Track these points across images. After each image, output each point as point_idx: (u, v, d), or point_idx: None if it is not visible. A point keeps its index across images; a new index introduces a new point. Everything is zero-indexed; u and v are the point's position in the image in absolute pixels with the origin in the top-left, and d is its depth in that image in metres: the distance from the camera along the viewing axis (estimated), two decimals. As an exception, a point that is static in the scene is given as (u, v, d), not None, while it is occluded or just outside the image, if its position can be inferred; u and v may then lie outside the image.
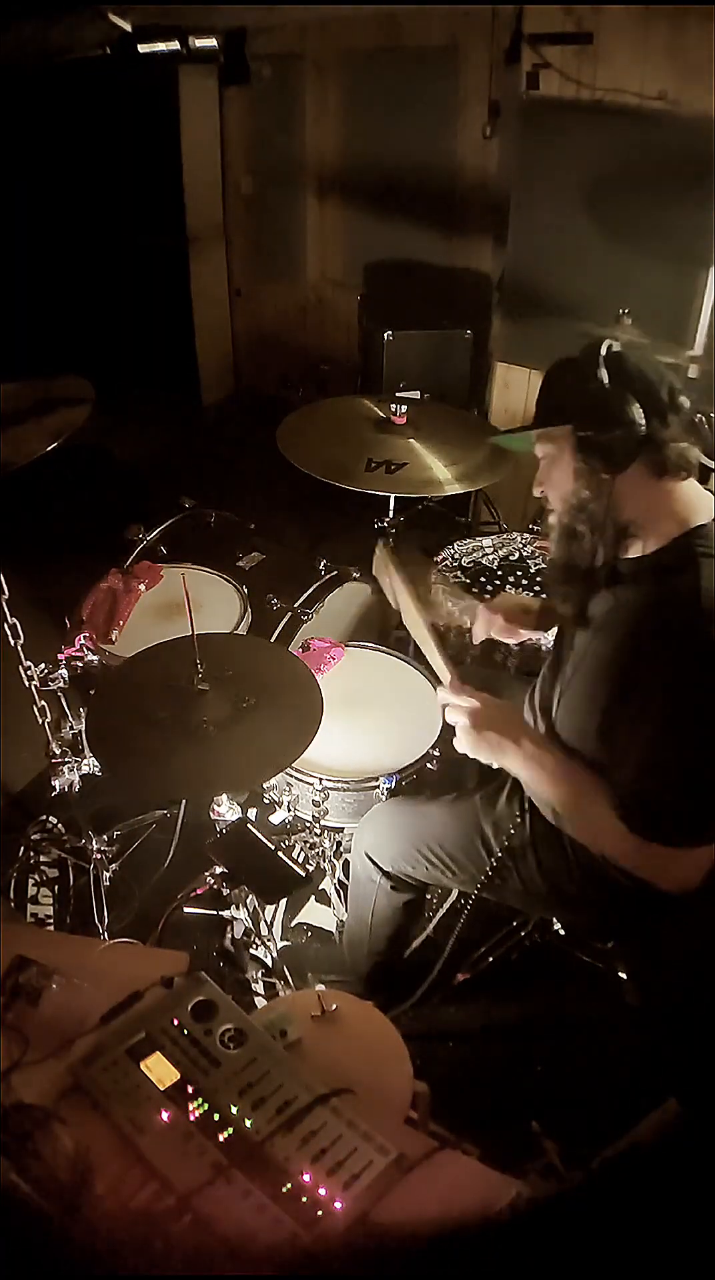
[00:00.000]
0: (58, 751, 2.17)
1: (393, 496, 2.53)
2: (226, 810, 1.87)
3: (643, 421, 1.32)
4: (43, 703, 2.14)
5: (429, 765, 2.00)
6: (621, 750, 1.40)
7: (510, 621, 1.88)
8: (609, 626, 1.44)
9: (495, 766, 1.56)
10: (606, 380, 1.33)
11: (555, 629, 1.85)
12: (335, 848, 2.15)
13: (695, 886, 1.37)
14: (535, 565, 2.59)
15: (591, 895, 1.59)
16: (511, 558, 2.64)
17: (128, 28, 3.69)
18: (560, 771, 1.49)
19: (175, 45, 3.95)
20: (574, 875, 1.59)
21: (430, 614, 2.52)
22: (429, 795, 1.87)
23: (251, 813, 2.05)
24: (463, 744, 1.57)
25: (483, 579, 2.54)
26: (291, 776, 1.96)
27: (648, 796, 1.35)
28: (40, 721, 2.16)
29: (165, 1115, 1.04)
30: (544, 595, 2.41)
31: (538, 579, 2.52)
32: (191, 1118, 1.04)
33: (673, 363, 2.51)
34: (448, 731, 1.99)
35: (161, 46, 3.94)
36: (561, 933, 2.04)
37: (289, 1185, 0.97)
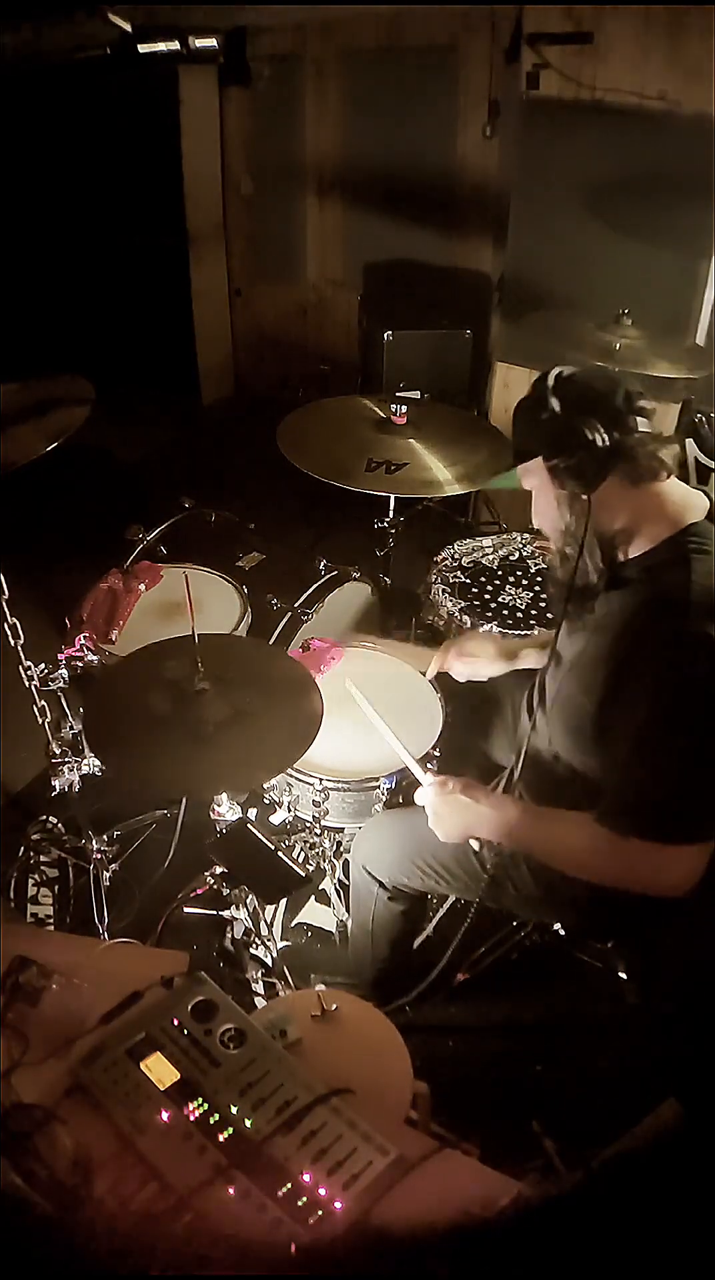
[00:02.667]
0: (58, 751, 2.17)
1: (393, 496, 2.53)
2: (226, 810, 1.87)
3: (604, 438, 1.34)
4: (43, 703, 2.14)
5: (429, 765, 2.00)
6: (614, 747, 1.41)
7: (469, 663, 1.97)
8: (603, 627, 1.46)
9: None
10: (558, 408, 1.37)
11: (522, 663, 1.92)
12: (335, 848, 2.15)
13: (687, 889, 1.38)
14: (535, 565, 2.59)
15: (587, 898, 1.59)
16: (511, 558, 2.64)
17: (128, 28, 3.69)
18: (528, 824, 1.53)
19: (175, 45, 3.96)
20: (568, 878, 1.59)
21: (428, 613, 2.53)
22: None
23: (251, 813, 2.05)
24: (436, 832, 1.62)
25: (483, 579, 2.54)
26: (291, 776, 1.96)
27: (638, 792, 1.36)
28: (40, 721, 2.16)
29: (165, 1115, 1.04)
30: (544, 598, 2.42)
31: (538, 579, 2.52)
32: (191, 1118, 1.04)
33: (669, 372, 2.51)
34: (448, 732, 2.00)
35: (161, 46, 3.95)
36: (561, 933, 2.04)
37: (289, 1185, 0.97)
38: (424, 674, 2.07)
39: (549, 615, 2.34)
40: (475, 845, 1.64)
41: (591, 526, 1.41)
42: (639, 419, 1.37)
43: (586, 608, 1.48)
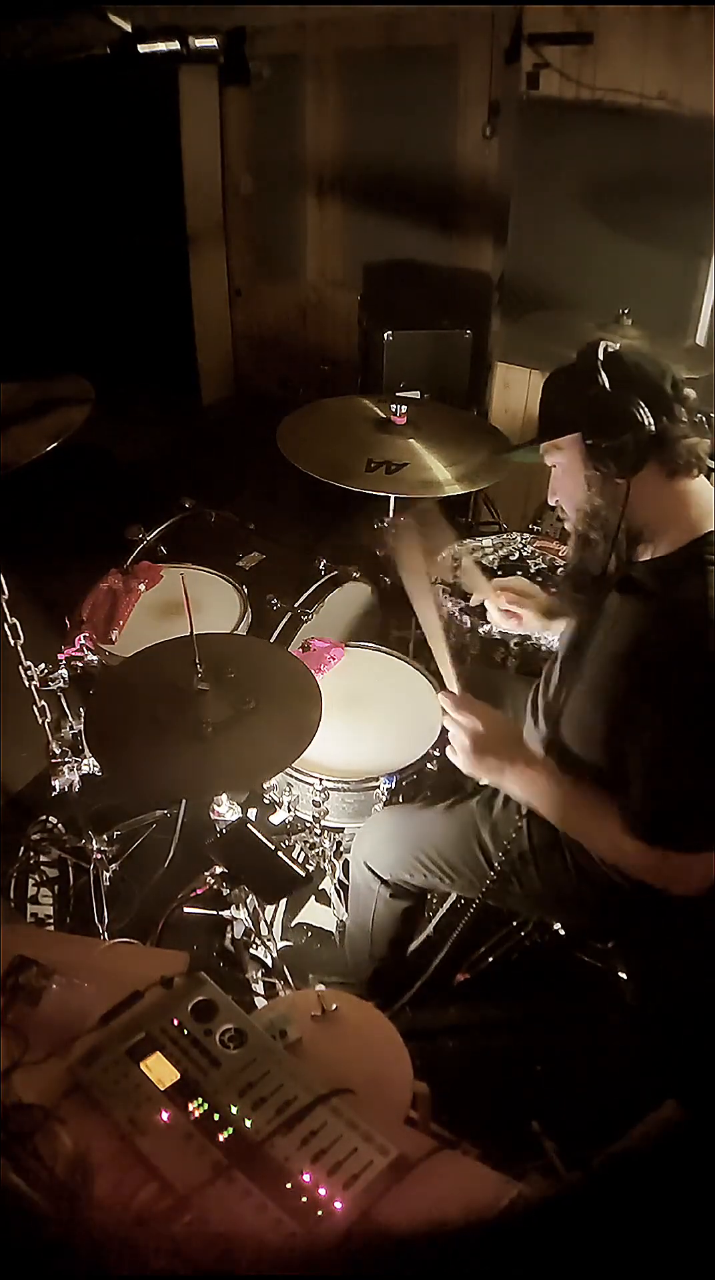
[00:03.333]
0: (58, 751, 2.17)
1: (393, 496, 2.53)
2: (226, 810, 1.87)
3: (651, 421, 1.29)
4: (43, 703, 2.14)
5: (429, 765, 2.00)
6: (629, 757, 1.39)
7: (515, 602, 1.88)
8: (616, 631, 1.43)
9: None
10: (607, 384, 1.31)
11: (554, 629, 1.86)
12: (335, 848, 2.15)
13: (707, 889, 1.37)
14: (535, 565, 2.59)
15: (591, 898, 1.59)
16: (511, 558, 2.64)
17: (128, 28, 3.69)
18: (559, 792, 1.48)
19: (175, 45, 3.95)
20: (573, 878, 1.59)
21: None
22: (427, 799, 1.87)
23: (251, 813, 2.05)
24: (460, 763, 1.56)
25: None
26: (291, 776, 1.96)
27: (657, 803, 1.34)
28: (40, 721, 2.16)
29: (165, 1115, 1.04)
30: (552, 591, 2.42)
31: (538, 579, 2.52)
32: (191, 1118, 1.04)
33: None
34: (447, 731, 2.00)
35: (161, 46, 3.94)
36: (561, 933, 2.04)
37: (289, 1185, 0.97)
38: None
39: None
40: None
41: (624, 513, 1.35)
42: (682, 408, 1.32)
43: (595, 600, 1.45)
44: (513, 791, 1.54)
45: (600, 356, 1.33)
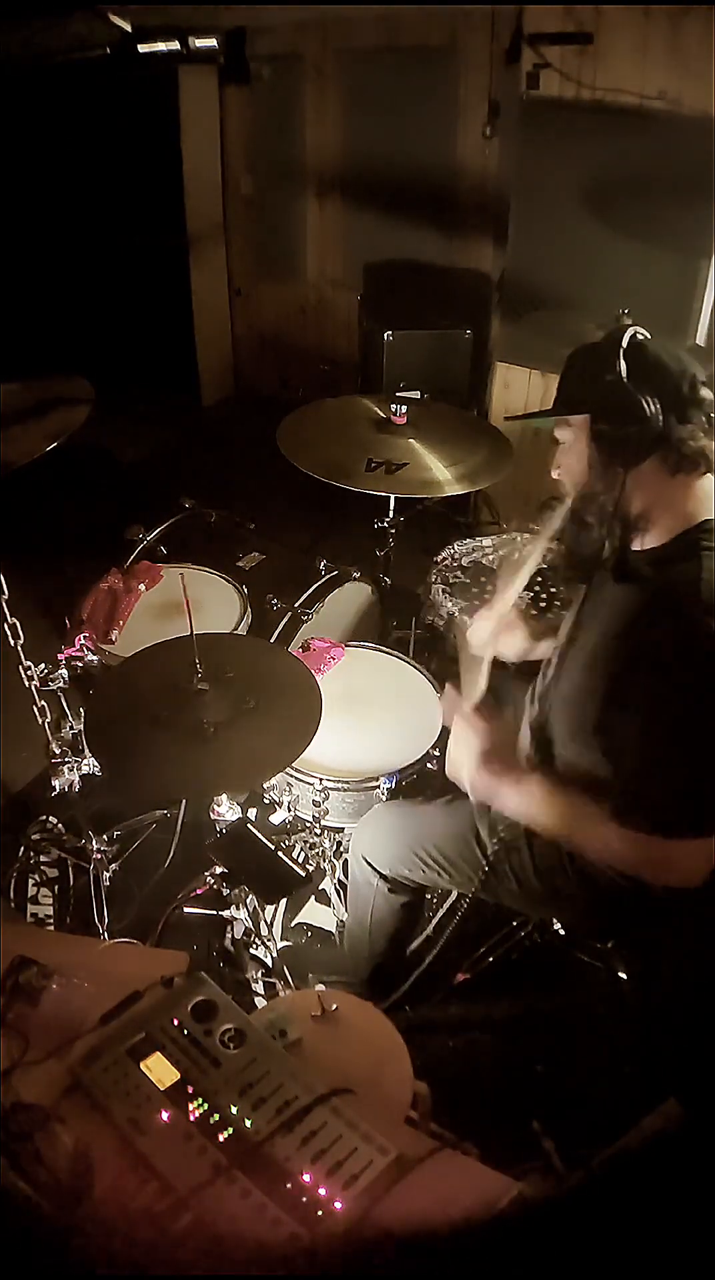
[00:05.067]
0: (58, 751, 2.17)
1: (393, 496, 2.53)
2: (226, 810, 1.87)
3: (659, 417, 1.30)
4: (43, 703, 2.14)
5: (429, 765, 2.00)
6: (620, 741, 1.40)
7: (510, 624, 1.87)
8: (609, 618, 1.44)
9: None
10: (625, 373, 1.31)
11: (543, 649, 1.87)
12: (335, 848, 2.15)
13: (702, 880, 1.37)
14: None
15: (588, 895, 1.59)
16: (511, 558, 2.64)
17: (128, 28, 3.69)
18: (551, 802, 1.49)
19: (175, 45, 3.95)
20: (570, 874, 1.59)
21: (428, 613, 2.53)
22: (426, 796, 1.87)
23: (251, 813, 2.05)
24: (458, 779, 1.58)
25: (483, 579, 2.54)
26: (291, 776, 1.96)
27: (649, 786, 1.35)
28: (40, 721, 2.16)
29: (165, 1115, 1.04)
30: (545, 595, 2.42)
31: (538, 579, 2.52)
32: (191, 1118, 1.04)
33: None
34: (448, 732, 2.00)
35: (161, 46, 3.94)
36: (561, 933, 2.04)
37: (289, 1185, 0.97)
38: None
39: (553, 596, 2.31)
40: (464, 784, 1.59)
41: (619, 501, 1.36)
42: (696, 410, 1.32)
43: (591, 588, 1.45)
44: (506, 806, 1.55)
45: (624, 344, 1.33)
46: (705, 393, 1.33)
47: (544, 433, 1.54)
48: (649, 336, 1.35)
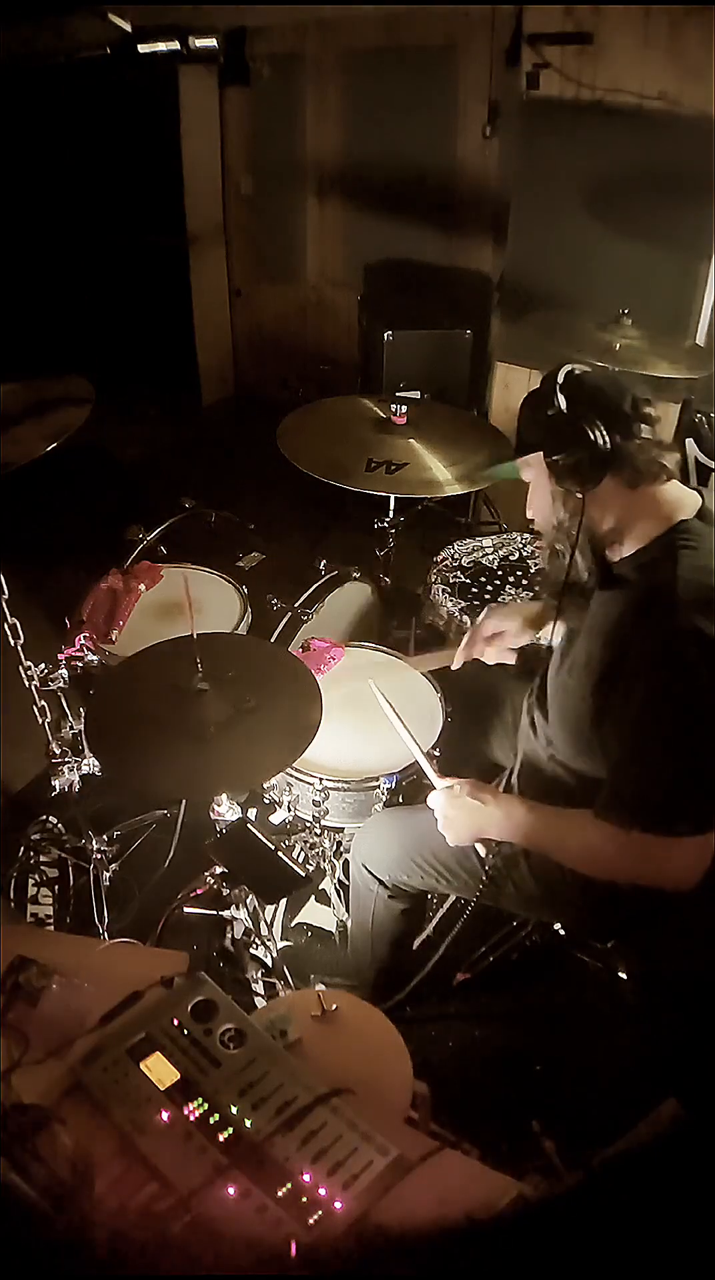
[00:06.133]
0: (58, 751, 2.17)
1: (393, 496, 2.53)
2: (226, 810, 1.86)
3: (606, 439, 1.35)
4: (43, 703, 2.14)
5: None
6: (609, 742, 1.43)
7: (504, 638, 1.93)
8: (597, 628, 1.47)
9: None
10: (564, 405, 1.38)
11: (546, 634, 1.89)
12: (335, 848, 2.15)
13: (695, 882, 1.38)
14: (535, 565, 2.59)
15: (587, 897, 1.59)
16: (511, 558, 2.64)
17: (128, 28, 3.69)
18: (532, 817, 1.53)
19: (175, 45, 3.95)
20: (567, 878, 1.59)
21: (428, 613, 2.53)
22: (425, 801, 1.87)
23: (251, 813, 2.05)
24: (446, 836, 1.62)
25: (483, 579, 2.54)
26: (291, 776, 1.96)
27: (637, 785, 1.37)
28: (40, 721, 2.16)
29: (165, 1115, 1.04)
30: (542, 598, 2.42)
31: (538, 579, 2.52)
32: (191, 1118, 1.04)
33: (669, 372, 2.52)
34: (448, 731, 2.00)
35: (161, 46, 3.95)
36: (561, 933, 2.04)
37: (289, 1185, 0.97)
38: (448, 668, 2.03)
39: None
40: (481, 850, 1.64)
41: (585, 525, 1.42)
42: (642, 425, 1.38)
43: (580, 606, 1.50)
44: (496, 836, 1.58)
45: (560, 379, 1.40)
46: (650, 410, 1.39)
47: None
48: (587, 370, 1.43)
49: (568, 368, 1.41)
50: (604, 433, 1.35)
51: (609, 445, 1.36)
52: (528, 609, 1.95)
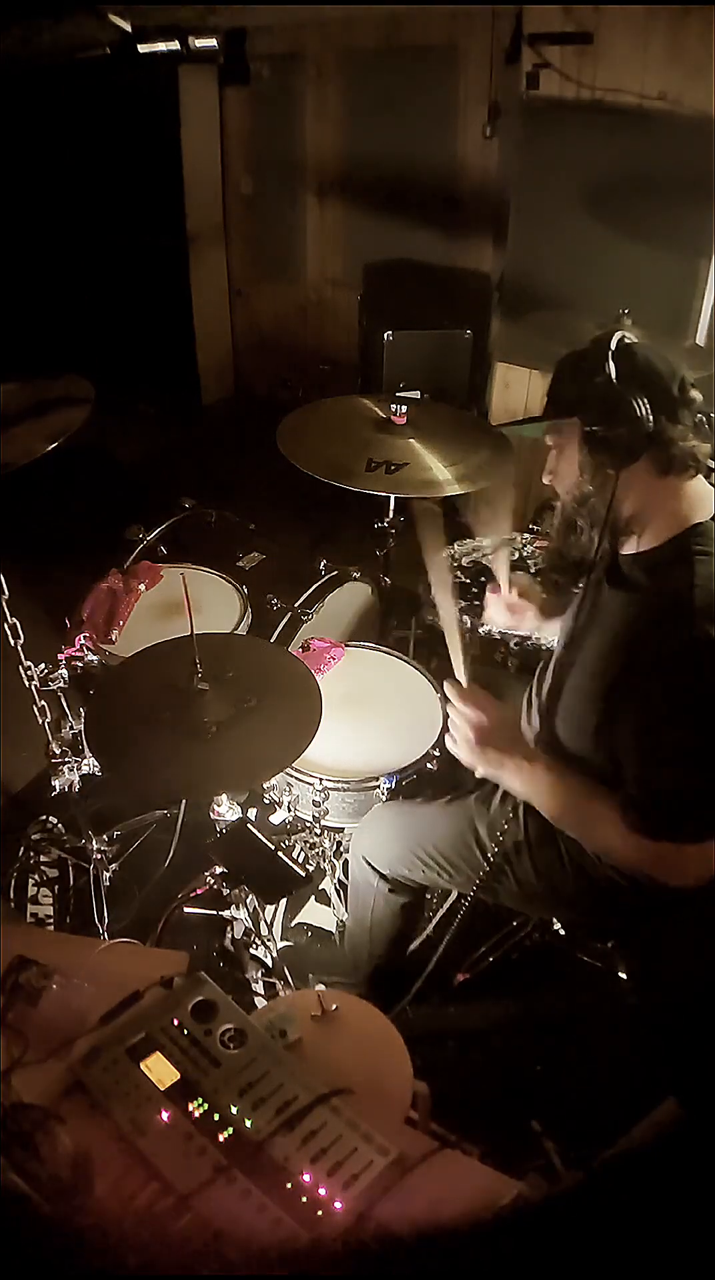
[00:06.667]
0: (58, 751, 2.17)
1: (393, 496, 2.53)
2: (226, 810, 1.87)
3: (650, 418, 1.30)
4: (43, 703, 2.14)
5: (429, 765, 2.00)
6: (621, 748, 1.40)
7: (523, 595, 1.89)
8: (605, 623, 1.45)
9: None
10: (614, 375, 1.32)
11: (549, 630, 1.87)
12: (335, 848, 2.15)
13: (708, 881, 1.38)
14: (535, 565, 2.59)
15: (588, 895, 1.59)
16: (511, 557, 2.64)
17: (128, 28, 3.69)
18: (557, 786, 1.49)
19: (175, 45, 3.95)
20: (569, 874, 1.59)
21: (428, 613, 2.52)
22: (427, 796, 1.87)
23: (251, 813, 2.05)
24: (460, 754, 1.56)
25: (483, 579, 2.54)
26: (291, 776, 1.96)
27: (652, 795, 1.35)
28: (40, 721, 2.16)
29: (165, 1115, 1.04)
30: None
31: (539, 579, 2.52)
32: (191, 1118, 1.04)
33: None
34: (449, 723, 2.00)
35: (161, 46, 3.95)
36: (561, 933, 2.04)
37: (289, 1185, 0.97)
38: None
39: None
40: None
41: (611, 503, 1.37)
42: (686, 411, 1.33)
43: (577, 585, 1.46)
44: (511, 785, 1.54)
45: (612, 347, 1.33)
46: (695, 394, 1.34)
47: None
48: (637, 339, 1.36)
49: (620, 334, 1.35)
50: (650, 411, 1.30)
51: (651, 425, 1.30)
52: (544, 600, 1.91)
